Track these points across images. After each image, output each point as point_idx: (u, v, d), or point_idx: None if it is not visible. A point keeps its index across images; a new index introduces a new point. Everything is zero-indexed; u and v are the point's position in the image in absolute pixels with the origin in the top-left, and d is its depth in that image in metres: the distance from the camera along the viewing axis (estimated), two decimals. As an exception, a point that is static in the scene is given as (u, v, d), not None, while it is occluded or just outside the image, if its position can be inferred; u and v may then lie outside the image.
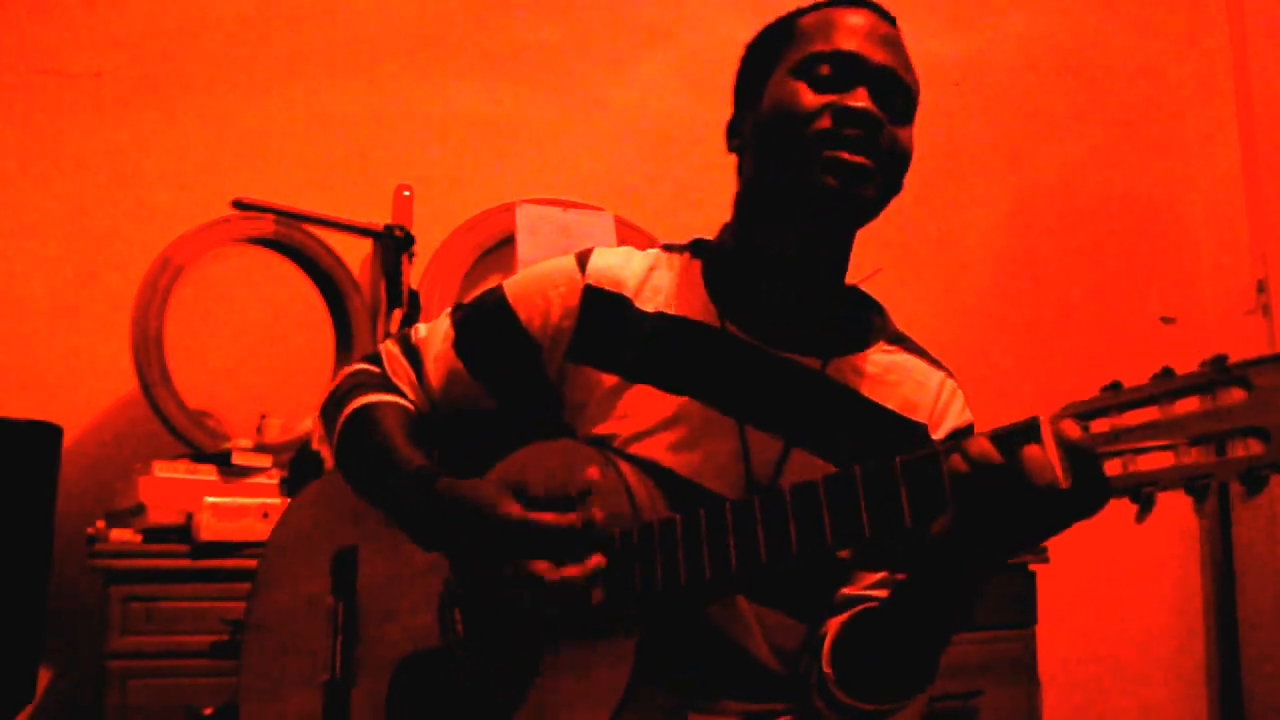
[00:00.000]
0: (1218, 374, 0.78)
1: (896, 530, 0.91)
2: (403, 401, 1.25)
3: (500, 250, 2.62)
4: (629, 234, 2.60)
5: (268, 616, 1.31)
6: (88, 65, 2.48)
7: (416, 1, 2.78)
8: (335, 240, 2.45)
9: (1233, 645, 3.21)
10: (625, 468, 1.08)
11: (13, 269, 2.39)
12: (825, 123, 1.11)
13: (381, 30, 2.73)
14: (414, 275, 2.45)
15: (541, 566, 1.00)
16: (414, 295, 2.39)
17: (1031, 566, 2.52)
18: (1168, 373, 0.80)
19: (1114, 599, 3.15)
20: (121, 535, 1.99)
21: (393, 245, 2.39)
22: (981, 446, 0.86)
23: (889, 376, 1.19)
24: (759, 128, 1.17)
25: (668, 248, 1.28)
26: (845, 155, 1.10)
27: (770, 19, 1.26)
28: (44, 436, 2.09)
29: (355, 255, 2.52)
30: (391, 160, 2.62)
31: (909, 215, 3.12)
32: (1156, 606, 3.23)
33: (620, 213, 2.61)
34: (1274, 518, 3.17)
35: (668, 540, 1.01)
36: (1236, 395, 0.77)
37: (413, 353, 1.29)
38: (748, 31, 1.30)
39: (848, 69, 1.13)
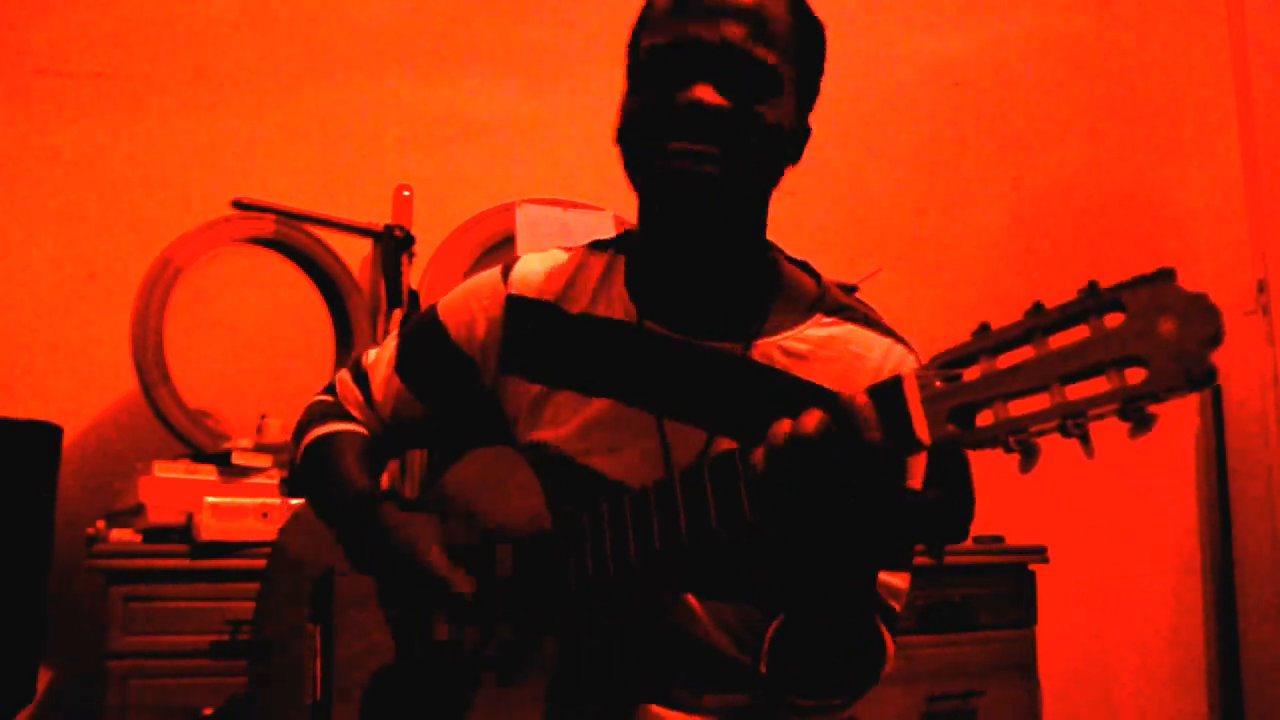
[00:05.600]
0: (1091, 301, 0.71)
1: (736, 518, 0.90)
2: (356, 428, 1.29)
3: (500, 250, 2.62)
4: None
5: (266, 641, 1.34)
6: (88, 65, 2.48)
7: (416, 2, 2.78)
8: (335, 240, 2.45)
9: (1233, 645, 3.21)
10: (549, 469, 1.11)
11: (13, 269, 2.39)
12: (655, 126, 1.08)
13: (381, 31, 2.73)
14: (414, 275, 2.45)
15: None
16: (414, 295, 2.39)
17: (1032, 566, 2.53)
18: (1038, 307, 0.74)
19: (1114, 599, 3.15)
20: (121, 535, 1.99)
21: (393, 245, 2.38)
22: (803, 422, 0.83)
23: (823, 352, 1.14)
24: (619, 134, 1.17)
25: (593, 246, 1.27)
26: (683, 163, 1.06)
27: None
28: (44, 436, 2.09)
29: (355, 255, 2.52)
30: (391, 160, 2.62)
31: (909, 215, 3.15)
32: (1156, 606, 3.23)
33: (620, 213, 2.60)
34: (1274, 517, 3.17)
35: (576, 538, 1.03)
36: (1111, 323, 0.70)
37: (362, 378, 1.32)
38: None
39: (686, 58, 1.07)
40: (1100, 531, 3.11)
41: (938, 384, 0.77)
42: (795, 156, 1.16)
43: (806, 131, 1.17)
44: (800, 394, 1.12)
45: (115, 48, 2.51)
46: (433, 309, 1.28)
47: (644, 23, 1.16)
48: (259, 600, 1.37)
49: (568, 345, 1.19)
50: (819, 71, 1.17)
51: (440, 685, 1.10)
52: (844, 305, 1.19)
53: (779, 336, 1.15)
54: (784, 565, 0.99)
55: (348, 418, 1.31)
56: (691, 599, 1.12)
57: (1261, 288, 3.22)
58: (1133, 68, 3.42)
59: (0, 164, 2.41)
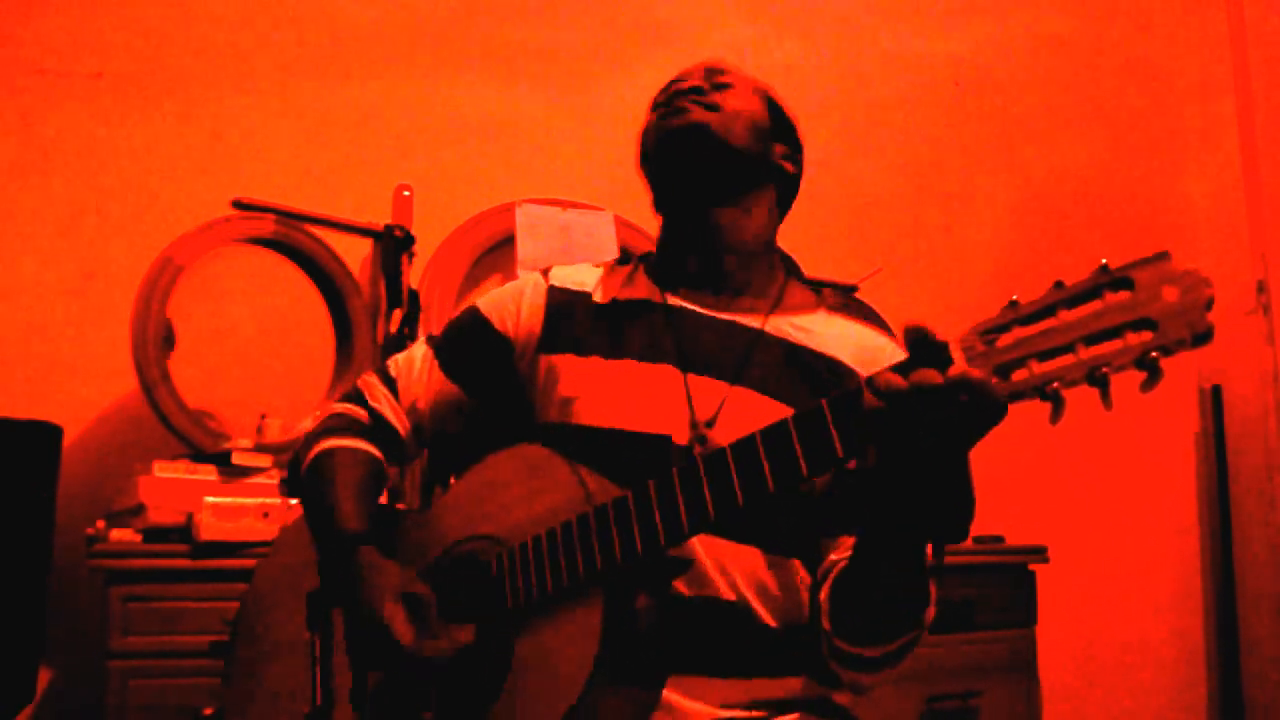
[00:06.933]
0: (1103, 277, 0.84)
1: (829, 463, 0.96)
2: (366, 448, 1.32)
3: (500, 250, 2.62)
4: (629, 234, 2.60)
5: (251, 659, 1.35)
6: (88, 65, 2.48)
7: (416, 2, 2.78)
8: (335, 240, 2.45)
9: (1233, 645, 3.21)
10: (578, 454, 1.15)
11: (13, 269, 2.39)
12: (657, 111, 1.32)
13: (381, 30, 2.73)
14: (414, 275, 2.45)
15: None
16: (414, 295, 2.39)
17: (1032, 566, 2.53)
18: (1059, 285, 0.87)
19: (1114, 599, 3.15)
20: (121, 535, 1.99)
21: (393, 245, 2.39)
22: (888, 379, 0.90)
23: (827, 331, 1.31)
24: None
25: (619, 262, 1.42)
26: (674, 119, 1.29)
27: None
28: (44, 436, 2.09)
29: (355, 255, 2.52)
30: (391, 160, 2.62)
31: (909, 215, 3.15)
32: (1156, 606, 3.23)
33: (620, 213, 2.61)
34: (1274, 517, 3.17)
35: (621, 515, 1.06)
36: (1123, 295, 0.83)
37: (392, 380, 1.38)
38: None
39: (677, 78, 1.34)
40: (1100, 531, 3.11)
41: (980, 346, 0.88)
42: (773, 174, 1.35)
43: (793, 176, 1.38)
44: (810, 358, 1.28)
45: (115, 48, 2.51)
46: (473, 308, 1.38)
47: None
48: (241, 614, 1.39)
49: (603, 323, 1.31)
50: (790, 128, 1.38)
51: (449, 686, 1.11)
52: (843, 304, 1.36)
53: (789, 317, 1.31)
54: (864, 513, 1.08)
55: (360, 432, 1.33)
56: (701, 539, 1.16)
57: (1261, 288, 3.22)
58: (1133, 68, 3.43)
59: (0, 164, 2.41)
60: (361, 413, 1.36)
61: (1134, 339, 0.81)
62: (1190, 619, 3.26)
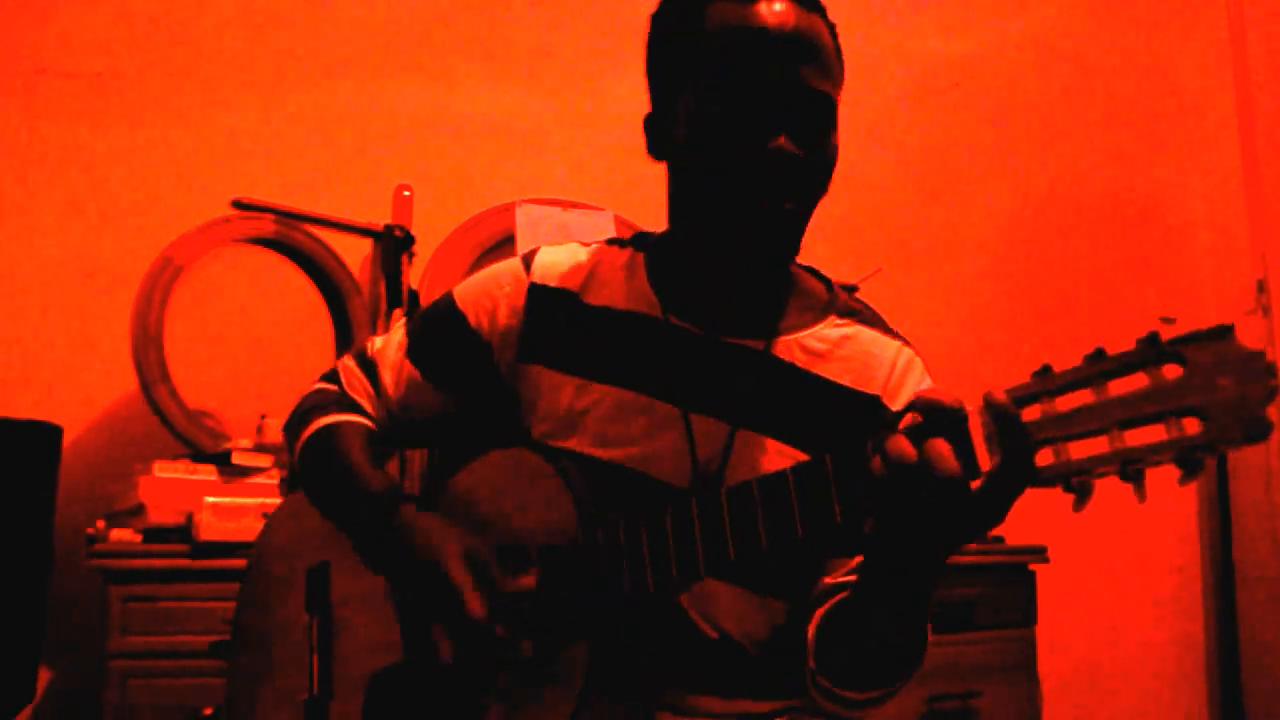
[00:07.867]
0: (1152, 352, 0.74)
1: (829, 528, 0.91)
2: (361, 420, 1.26)
3: (500, 250, 2.62)
4: (629, 234, 2.60)
5: (250, 634, 1.32)
6: (88, 65, 2.49)
7: (416, 2, 2.78)
8: (335, 240, 2.45)
9: (1233, 645, 3.21)
10: (575, 476, 1.08)
11: (13, 269, 2.39)
12: (746, 170, 1.08)
13: (381, 31, 2.73)
14: (414, 275, 2.45)
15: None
16: (414, 295, 2.39)
17: (1032, 566, 2.53)
18: (1100, 353, 0.76)
19: (1114, 599, 3.15)
20: (121, 535, 1.99)
21: (393, 245, 2.38)
22: (899, 446, 0.84)
23: (838, 351, 1.18)
24: (680, 155, 1.15)
25: (611, 242, 1.29)
26: (766, 206, 1.08)
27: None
28: (44, 436, 2.09)
29: (355, 255, 2.52)
30: (391, 160, 2.62)
31: (909, 215, 3.15)
32: (1156, 606, 3.23)
33: (620, 213, 2.61)
34: (1274, 517, 3.17)
35: (612, 550, 1.03)
36: (1171, 373, 0.73)
37: (369, 366, 1.30)
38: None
39: (765, 95, 1.08)
40: (1100, 531, 3.10)
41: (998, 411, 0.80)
42: None
43: None
44: (821, 391, 1.16)
45: (115, 48, 2.52)
46: (448, 297, 1.27)
47: (694, 39, 1.13)
48: (241, 593, 1.34)
49: (592, 336, 1.19)
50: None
51: (452, 693, 1.08)
52: (854, 308, 1.24)
53: (798, 335, 1.19)
54: (859, 557, 1.02)
55: (354, 408, 1.27)
56: (712, 582, 1.12)
57: (1261, 288, 3.22)
58: (1133, 68, 3.42)
59: (0, 164, 2.41)
60: (336, 393, 1.29)
61: (1177, 431, 0.72)
62: (1190, 619, 3.26)
